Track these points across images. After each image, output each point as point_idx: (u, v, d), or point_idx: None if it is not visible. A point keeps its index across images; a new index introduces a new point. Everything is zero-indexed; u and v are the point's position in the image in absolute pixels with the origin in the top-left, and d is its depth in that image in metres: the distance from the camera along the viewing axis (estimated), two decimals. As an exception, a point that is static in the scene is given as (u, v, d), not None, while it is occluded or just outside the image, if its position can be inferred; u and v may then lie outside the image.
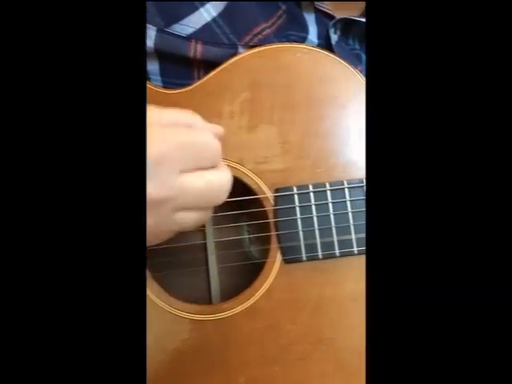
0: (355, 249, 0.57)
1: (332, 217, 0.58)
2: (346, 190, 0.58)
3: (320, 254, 0.58)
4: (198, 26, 0.62)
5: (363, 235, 0.57)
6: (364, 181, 0.58)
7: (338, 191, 0.58)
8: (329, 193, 0.58)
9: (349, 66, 0.60)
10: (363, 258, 0.58)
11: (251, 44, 0.63)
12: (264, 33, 0.64)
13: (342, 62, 0.60)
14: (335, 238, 0.58)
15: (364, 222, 0.57)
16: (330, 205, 0.58)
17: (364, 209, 0.58)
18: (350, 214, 0.58)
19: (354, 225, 0.58)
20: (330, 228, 0.58)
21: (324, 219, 0.58)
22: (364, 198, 0.58)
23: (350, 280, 0.58)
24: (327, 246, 0.58)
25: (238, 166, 0.59)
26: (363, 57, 0.68)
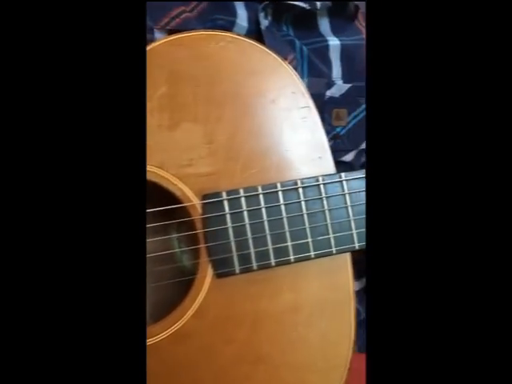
0: (292, 257, 0.53)
1: (266, 223, 0.53)
2: (280, 194, 0.53)
3: (255, 264, 0.53)
4: None
5: (299, 242, 0.53)
6: (298, 183, 0.53)
7: (271, 195, 0.53)
8: (261, 197, 0.53)
9: (277, 57, 0.55)
10: (301, 266, 0.53)
11: (169, 28, 0.57)
12: (183, 16, 0.58)
13: (270, 52, 0.55)
14: (270, 247, 0.53)
15: (300, 228, 0.53)
16: (264, 210, 0.53)
17: (300, 213, 0.53)
18: (285, 220, 0.53)
19: (290, 231, 0.53)
20: (265, 236, 0.53)
21: (257, 226, 0.53)
22: (299, 201, 0.53)
23: (287, 290, 0.53)
24: (262, 255, 0.53)
25: (159, 171, 0.52)
26: (297, 43, 0.63)
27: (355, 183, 0.53)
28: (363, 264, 0.70)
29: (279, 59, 0.54)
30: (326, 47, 0.64)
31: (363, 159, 0.70)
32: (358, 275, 0.68)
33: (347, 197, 0.53)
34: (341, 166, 0.56)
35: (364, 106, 0.66)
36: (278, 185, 0.53)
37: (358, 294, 0.55)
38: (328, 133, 0.55)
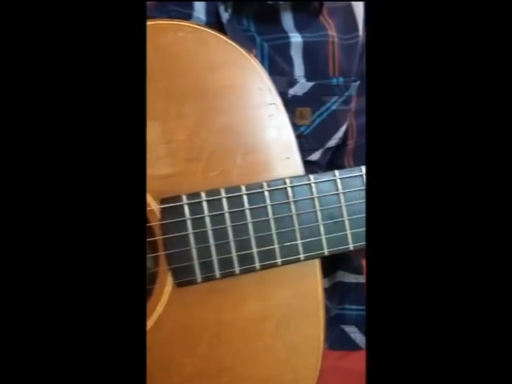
0: (257, 264, 0.50)
1: (229, 229, 0.50)
2: (245, 197, 0.50)
3: (217, 273, 0.49)
4: None
5: (265, 248, 0.50)
6: (264, 185, 0.50)
7: (235, 198, 0.50)
8: (225, 201, 0.50)
9: (242, 50, 0.51)
10: (267, 274, 0.50)
11: None
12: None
13: (235, 44, 0.51)
14: (234, 254, 0.50)
15: (266, 233, 0.50)
16: (227, 215, 0.50)
17: (266, 217, 0.50)
18: (250, 225, 0.50)
19: (255, 237, 0.50)
20: (228, 242, 0.49)
21: (220, 232, 0.49)
22: (265, 205, 0.50)
23: (252, 299, 0.50)
24: (225, 263, 0.49)
25: (114, 172, 0.48)
26: (257, 40, 0.60)
27: (325, 186, 0.51)
28: (330, 261, 0.69)
29: (244, 52, 0.51)
30: (288, 44, 0.62)
31: (329, 158, 0.69)
32: (326, 272, 0.66)
33: (316, 200, 0.50)
34: (307, 165, 0.54)
35: (328, 105, 0.64)
36: (243, 187, 0.50)
37: (326, 291, 0.53)
38: (292, 132, 0.53)
